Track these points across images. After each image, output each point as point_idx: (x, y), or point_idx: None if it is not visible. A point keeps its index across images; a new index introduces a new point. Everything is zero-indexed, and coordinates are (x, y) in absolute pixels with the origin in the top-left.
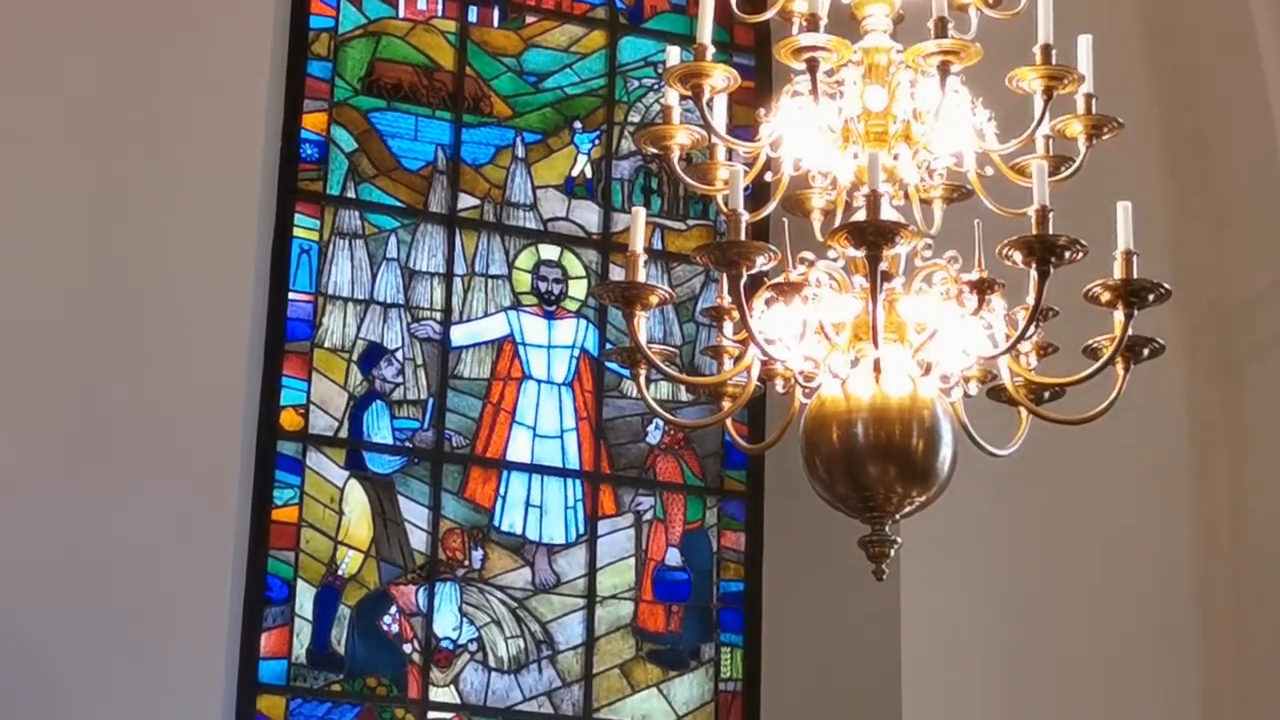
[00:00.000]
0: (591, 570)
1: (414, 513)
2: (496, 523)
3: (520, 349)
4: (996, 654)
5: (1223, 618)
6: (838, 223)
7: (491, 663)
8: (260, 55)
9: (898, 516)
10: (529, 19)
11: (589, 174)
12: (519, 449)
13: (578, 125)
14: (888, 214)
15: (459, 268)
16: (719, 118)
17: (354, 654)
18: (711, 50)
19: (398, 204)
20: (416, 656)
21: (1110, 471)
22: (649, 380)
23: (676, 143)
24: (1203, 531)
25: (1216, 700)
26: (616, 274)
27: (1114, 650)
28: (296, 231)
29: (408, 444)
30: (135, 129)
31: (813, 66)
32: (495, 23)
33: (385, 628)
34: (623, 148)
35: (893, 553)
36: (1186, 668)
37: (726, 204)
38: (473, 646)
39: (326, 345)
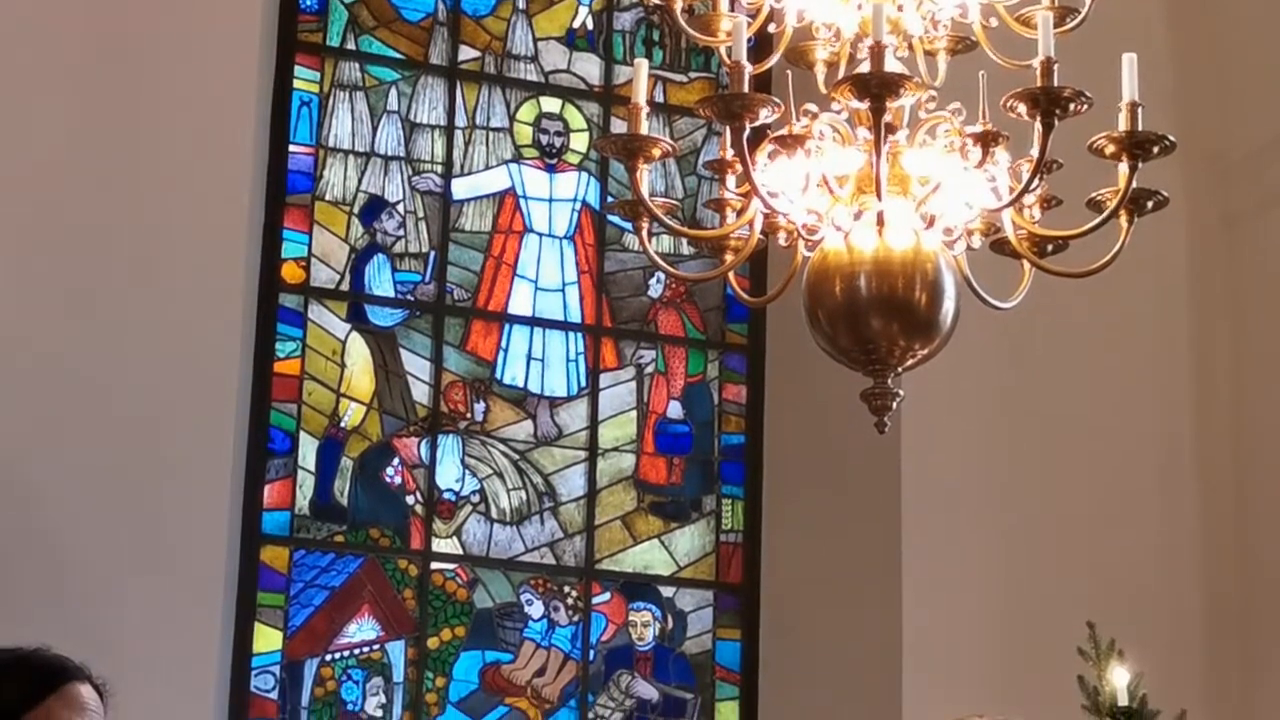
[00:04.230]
0: (593, 423)
1: (416, 365)
2: (498, 375)
3: (521, 202)
4: (997, 499)
5: (1221, 467)
6: (841, 75)
7: (494, 514)
8: None
9: (900, 369)
10: None
11: (590, 26)
12: (520, 302)
13: None
14: (891, 66)
15: (460, 120)
16: None
17: (357, 505)
18: None
19: (398, 56)
20: (419, 508)
21: (1112, 324)
22: (651, 233)
23: None
24: (1202, 382)
25: (1213, 542)
26: (618, 127)
27: (1113, 499)
28: (297, 84)
29: (409, 297)
30: None
31: None
32: None
33: (388, 480)
34: None
35: (895, 405)
36: (1184, 516)
37: (729, 56)
38: (475, 498)
39: (327, 198)
